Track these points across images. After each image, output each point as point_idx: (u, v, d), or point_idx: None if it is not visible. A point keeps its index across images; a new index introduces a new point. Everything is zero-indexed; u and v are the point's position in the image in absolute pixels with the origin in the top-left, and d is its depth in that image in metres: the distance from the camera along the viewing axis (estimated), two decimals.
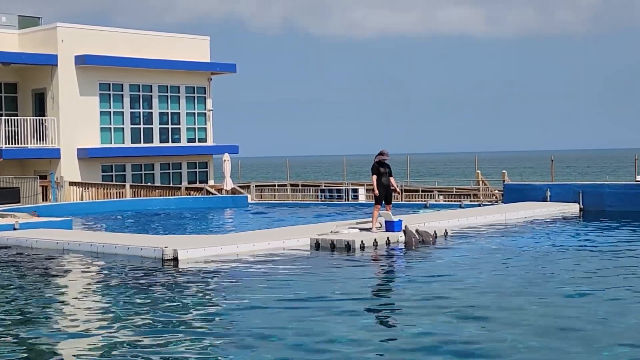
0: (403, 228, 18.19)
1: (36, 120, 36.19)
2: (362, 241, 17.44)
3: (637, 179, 32.91)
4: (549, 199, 26.67)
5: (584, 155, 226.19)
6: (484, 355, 8.44)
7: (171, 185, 37.80)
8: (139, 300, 11.81)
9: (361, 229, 18.79)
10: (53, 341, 9.57)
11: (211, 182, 41.11)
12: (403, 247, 17.56)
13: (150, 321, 10.41)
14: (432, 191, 34.95)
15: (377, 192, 18.70)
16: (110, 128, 38.25)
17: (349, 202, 33.46)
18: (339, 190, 36.07)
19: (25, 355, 8.88)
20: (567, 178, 75.62)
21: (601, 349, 8.62)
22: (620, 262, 15.05)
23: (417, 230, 18.25)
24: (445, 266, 15.03)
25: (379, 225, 18.79)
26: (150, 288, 12.88)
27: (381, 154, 19.00)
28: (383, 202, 18.91)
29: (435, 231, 18.51)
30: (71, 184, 33.92)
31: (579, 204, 25.94)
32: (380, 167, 18.88)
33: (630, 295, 11.63)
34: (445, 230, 19.14)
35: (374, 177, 18.87)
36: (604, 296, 11.52)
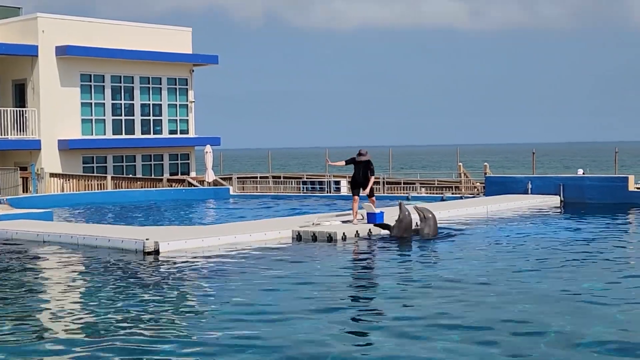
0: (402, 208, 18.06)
1: (16, 111, 35.93)
2: (343, 233, 17.45)
3: (578, 172, 33.28)
4: (530, 191, 26.79)
5: (567, 149, 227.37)
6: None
7: (153, 177, 37.63)
8: (119, 293, 11.75)
9: (343, 221, 18.80)
10: (31, 334, 9.51)
11: (193, 174, 40.99)
12: (388, 236, 17.54)
13: (131, 314, 10.36)
14: (414, 183, 35.01)
15: (342, 163, 19.15)
16: (92, 119, 38.04)
17: (331, 194, 33.46)
18: (321, 182, 36.05)
19: (2, 346, 8.82)
20: (553, 171, 75.88)
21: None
22: (590, 252, 15.11)
23: (415, 207, 18.24)
24: (426, 258, 15.07)
25: (361, 217, 18.83)
26: (130, 280, 12.83)
27: (360, 154, 19.09)
28: (366, 195, 18.92)
29: (417, 222, 18.50)
30: (52, 175, 33.72)
31: (559, 196, 26.07)
32: (356, 164, 19.01)
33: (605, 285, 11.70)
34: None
35: (343, 162, 19.02)
36: (569, 283, 11.59)
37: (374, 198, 19.27)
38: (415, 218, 18.25)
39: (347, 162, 19.22)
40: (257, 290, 11.66)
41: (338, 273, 13.47)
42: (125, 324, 9.74)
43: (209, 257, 15.11)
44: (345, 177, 37.53)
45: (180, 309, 10.64)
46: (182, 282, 12.71)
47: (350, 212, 19.19)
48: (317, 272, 13.49)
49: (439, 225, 18.24)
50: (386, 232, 17.84)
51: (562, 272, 12.89)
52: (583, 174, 31.48)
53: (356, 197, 18.85)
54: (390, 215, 18.54)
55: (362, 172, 19.02)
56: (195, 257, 15.06)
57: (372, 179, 19.14)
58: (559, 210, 24.26)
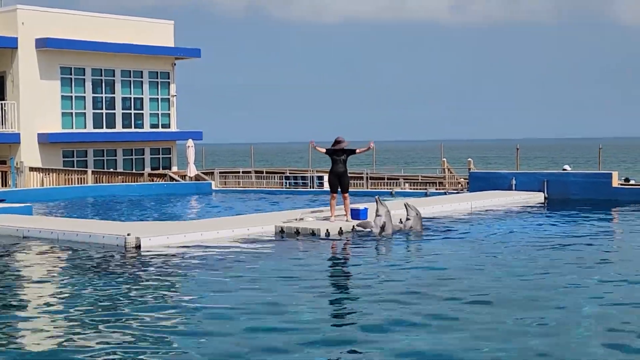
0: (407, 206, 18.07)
1: None
2: (327, 229, 17.45)
3: (564, 168, 33.43)
4: (514, 187, 26.88)
5: (551, 145, 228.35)
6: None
7: (134, 171, 37.53)
8: (100, 289, 11.71)
9: (326, 217, 18.80)
10: (8, 330, 9.46)
11: (174, 169, 40.90)
12: (371, 233, 17.53)
13: (111, 311, 10.32)
14: (398, 179, 35.05)
15: (324, 150, 18.51)
16: (72, 113, 37.85)
17: (314, 189, 33.47)
18: (304, 177, 36.05)
19: None
20: (537, 167, 76.17)
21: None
22: (573, 249, 15.21)
23: (406, 204, 18.30)
24: (409, 255, 15.11)
25: (345, 216, 18.68)
26: (111, 276, 12.78)
27: (337, 142, 18.47)
28: (339, 191, 18.62)
29: (400, 219, 18.54)
30: (31, 169, 33.52)
31: (544, 192, 26.18)
32: (335, 155, 18.42)
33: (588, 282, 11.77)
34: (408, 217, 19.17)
35: (324, 149, 18.62)
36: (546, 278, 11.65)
37: (347, 194, 18.64)
38: (399, 214, 18.28)
39: (327, 152, 18.60)
40: (239, 286, 11.66)
41: (320, 269, 13.49)
42: (105, 322, 9.70)
43: (191, 252, 15.07)
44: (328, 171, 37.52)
45: (162, 306, 10.61)
46: (164, 278, 12.67)
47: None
48: (299, 268, 13.49)
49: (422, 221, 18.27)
50: (368, 229, 17.80)
51: (541, 272, 12.95)
52: (565, 170, 31.60)
53: (334, 194, 18.61)
54: (374, 211, 18.51)
55: (343, 163, 18.43)
56: (177, 253, 15.02)
57: (363, 148, 18.82)
58: (543, 207, 24.36)
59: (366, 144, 19.25)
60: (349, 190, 18.97)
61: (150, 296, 11.23)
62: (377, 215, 17.67)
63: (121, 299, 10.98)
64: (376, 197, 18.41)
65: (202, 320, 9.72)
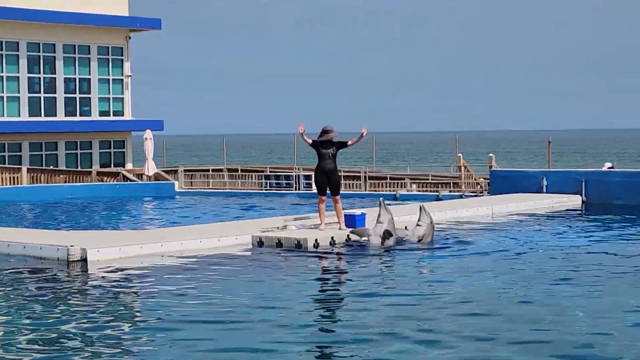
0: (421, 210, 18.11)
1: None
2: (316, 239, 17.42)
3: (605, 166, 33.39)
4: (545, 189, 26.89)
5: (583, 137, 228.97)
6: None
7: (79, 169, 37.44)
8: (35, 313, 11.64)
9: (315, 225, 18.78)
10: None
11: (129, 166, 40.83)
12: (368, 244, 17.46)
13: (48, 339, 10.25)
14: (404, 179, 35.07)
15: (310, 141, 18.38)
16: (2, 97, 37.74)
17: (300, 191, 33.44)
18: (287, 177, 36.02)
19: None
20: (572, 164, 76.25)
21: None
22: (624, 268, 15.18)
23: (421, 207, 18.38)
24: (415, 275, 15.01)
25: (338, 223, 18.64)
26: (50, 296, 12.72)
27: (325, 132, 18.37)
28: (329, 192, 18.50)
29: (406, 226, 18.54)
30: None
31: (581, 195, 26.18)
32: (322, 148, 18.31)
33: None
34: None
35: (310, 140, 18.46)
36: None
37: (338, 197, 18.54)
38: (403, 222, 18.27)
39: (313, 144, 18.47)
40: (206, 311, 11.59)
41: (307, 290, 13.43)
42: (41, 350, 9.64)
43: (149, 268, 15.02)
44: None
45: (111, 333, 10.55)
46: (114, 298, 12.61)
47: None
48: (282, 289, 13.44)
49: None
50: (365, 239, 17.74)
51: (579, 294, 12.91)
52: (611, 168, 31.62)
53: (323, 196, 18.51)
54: (373, 217, 18.50)
55: (331, 158, 18.30)
56: (131, 268, 14.95)
57: (355, 139, 18.66)
58: (580, 213, 24.38)
59: (359, 133, 19.05)
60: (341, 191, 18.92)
61: (96, 321, 11.15)
62: (378, 222, 17.63)
63: (61, 323, 10.89)
64: (380, 199, 18.42)
65: (157, 350, 9.66)
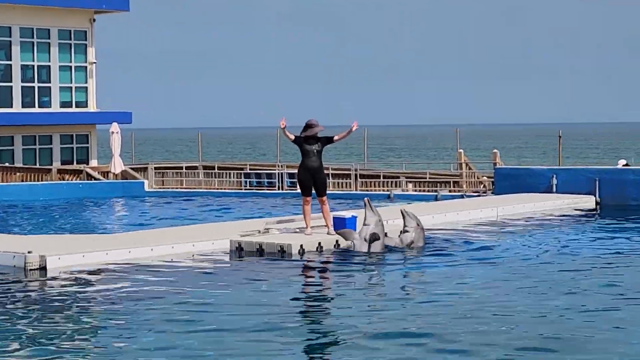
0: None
1: None
2: (301, 245, 17.42)
3: (619, 163, 33.42)
4: (554, 189, 26.94)
5: (596, 131, 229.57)
6: None
7: (38, 166, 37.36)
8: None
9: (300, 229, 18.78)
10: None
11: (94, 163, 40.78)
12: (352, 249, 17.44)
13: (3, 355, 10.23)
14: (399, 177, 35.10)
15: (292, 137, 18.29)
16: None
17: (283, 191, 33.44)
18: (269, 175, 36.02)
19: None
20: (584, 161, 76.41)
21: None
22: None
23: (403, 211, 18.33)
24: (404, 287, 14.91)
25: (326, 227, 18.62)
26: (7, 308, 12.68)
27: (309, 126, 18.33)
28: (314, 193, 18.46)
29: (401, 230, 18.53)
30: None
31: (595, 195, 26.23)
32: (306, 144, 18.25)
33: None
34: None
35: (293, 136, 18.37)
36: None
37: (325, 198, 18.51)
38: (399, 225, 18.27)
39: (296, 140, 18.39)
40: (176, 325, 11.56)
41: (290, 302, 13.42)
42: None
43: (115, 276, 14.99)
44: None
45: (73, 348, 10.53)
46: (75, 311, 12.58)
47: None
48: (263, 300, 13.43)
49: (428, 234, 18.28)
50: (348, 242, 17.70)
51: (598, 306, 12.94)
52: (626, 165, 31.69)
53: (308, 197, 18.47)
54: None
55: (316, 155, 18.27)
56: (95, 277, 14.93)
57: (343, 133, 18.54)
58: (594, 216, 24.43)
59: (348, 128, 18.99)
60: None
61: (56, 335, 11.12)
62: (364, 224, 17.60)
63: (16, 338, 10.86)
64: (365, 199, 18.11)
65: None
